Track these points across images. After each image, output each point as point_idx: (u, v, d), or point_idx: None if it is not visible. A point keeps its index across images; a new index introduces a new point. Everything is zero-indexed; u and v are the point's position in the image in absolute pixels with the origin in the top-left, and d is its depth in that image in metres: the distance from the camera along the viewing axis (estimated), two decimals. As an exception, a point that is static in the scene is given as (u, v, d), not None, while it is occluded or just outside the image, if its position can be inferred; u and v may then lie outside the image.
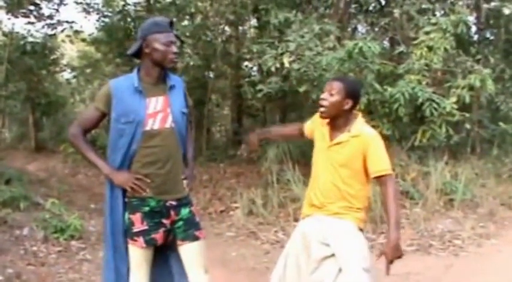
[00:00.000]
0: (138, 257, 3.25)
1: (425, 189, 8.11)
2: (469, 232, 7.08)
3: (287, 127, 3.90)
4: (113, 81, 3.30)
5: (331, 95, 3.20)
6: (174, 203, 3.28)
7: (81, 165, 14.96)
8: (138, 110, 3.18)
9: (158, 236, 3.25)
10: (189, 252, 3.34)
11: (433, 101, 8.33)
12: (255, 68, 12.93)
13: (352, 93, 3.20)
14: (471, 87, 8.56)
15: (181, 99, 3.36)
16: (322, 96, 3.26)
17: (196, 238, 3.34)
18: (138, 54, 3.27)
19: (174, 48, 3.21)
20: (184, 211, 3.32)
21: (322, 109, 3.26)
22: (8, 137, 21.40)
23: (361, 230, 3.26)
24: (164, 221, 3.26)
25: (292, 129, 3.80)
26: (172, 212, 3.28)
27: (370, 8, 11.35)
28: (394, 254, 3.07)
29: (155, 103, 3.23)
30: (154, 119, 3.21)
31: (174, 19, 12.16)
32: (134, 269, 3.27)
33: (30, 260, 5.91)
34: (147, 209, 3.22)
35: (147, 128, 3.19)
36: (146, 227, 3.21)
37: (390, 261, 3.09)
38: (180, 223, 3.31)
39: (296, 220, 7.35)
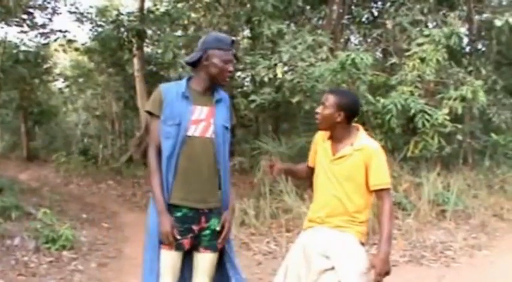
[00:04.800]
0: (168, 261, 3.28)
1: (417, 200, 8.13)
2: (461, 243, 7.09)
3: (300, 166, 3.76)
4: (164, 86, 3.39)
5: (324, 107, 3.24)
6: (206, 210, 3.32)
7: (73, 174, 14.96)
8: (184, 114, 3.24)
9: (186, 241, 3.28)
10: (204, 261, 3.37)
11: (426, 112, 8.36)
12: (248, 79, 12.94)
13: (344, 105, 3.21)
14: (463, 99, 8.60)
15: (226, 114, 3.42)
16: (317, 109, 3.31)
17: (217, 249, 3.39)
18: (194, 63, 3.37)
19: (231, 67, 3.31)
20: (214, 221, 3.35)
21: (316, 121, 3.31)
22: (0, 146, 21.35)
23: (362, 244, 3.25)
24: (194, 227, 3.30)
25: (302, 168, 3.67)
26: (202, 219, 3.31)
27: (363, 19, 11.40)
28: (383, 268, 3.06)
29: (200, 111, 3.30)
30: (196, 126, 3.27)
31: (167, 29, 12.26)
32: (163, 273, 3.29)
33: (21, 270, 5.88)
34: (179, 214, 3.26)
35: (189, 133, 3.25)
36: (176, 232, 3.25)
37: (379, 275, 3.09)
38: (208, 232, 3.34)
39: (288, 231, 7.37)
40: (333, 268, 3.11)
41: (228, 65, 3.29)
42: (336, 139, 3.29)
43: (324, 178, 3.29)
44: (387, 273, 3.09)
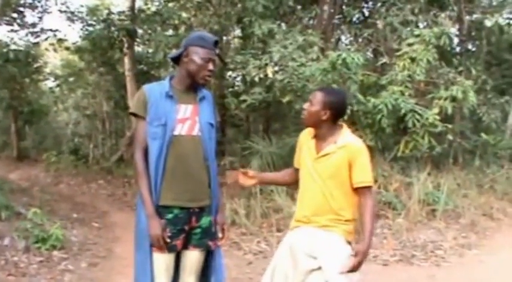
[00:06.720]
0: (161, 263, 3.26)
1: (407, 200, 8.15)
2: (451, 242, 7.12)
3: (281, 172, 3.79)
4: (147, 86, 3.37)
5: (311, 104, 3.25)
6: (197, 209, 3.31)
7: (64, 174, 14.89)
8: (169, 114, 3.23)
9: (179, 242, 3.27)
10: (192, 259, 3.37)
11: (416, 112, 8.39)
12: (238, 78, 12.94)
13: (331, 104, 3.21)
14: (453, 99, 8.64)
15: (210, 111, 3.41)
16: (304, 105, 3.33)
17: (208, 247, 3.38)
18: (176, 60, 3.38)
19: (211, 66, 3.27)
20: (205, 220, 3.35)
21: (302, 117, 3.33)
22: (-10, 146, 21.24)
23: (349, 242, 3.25)
24: (185, 227, 3.29)
25: (286, 173, 3.67)
26: (193, 218, 3.31)
27: (354, 19, 11.42)
28: (362, 258, 3.09)
29: (184, 110, 3.29)
30: (183, 124, 3.26)
31: (158, 29, 12.24)
32: (157, 275, 3.27)
33: (10, 270, 5.84)
34: (170, 216, 3.24)
35: (176, 132, 3.23)
36: (169, 234, 3.23)
37: (358, 263, 3.08)
38: (198, 230, 3.34)
39: (279, 230, 7.37)
40: (319, 268, 3.12)
41: (208, 64, 3.26)
42: (320, 137, 3.29)
43: (308, 177, 3.30)
44: (357, 267, 3.10)
